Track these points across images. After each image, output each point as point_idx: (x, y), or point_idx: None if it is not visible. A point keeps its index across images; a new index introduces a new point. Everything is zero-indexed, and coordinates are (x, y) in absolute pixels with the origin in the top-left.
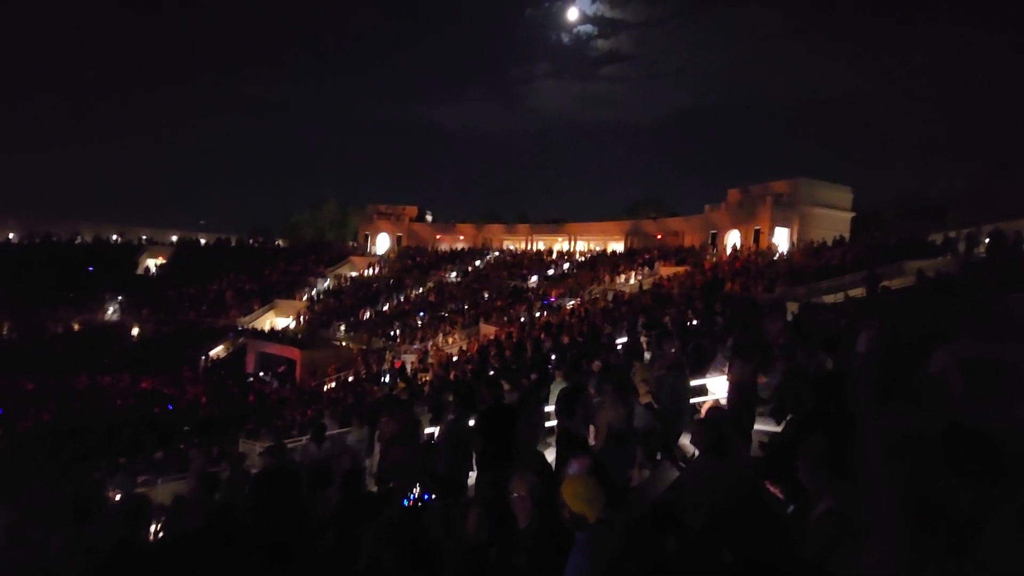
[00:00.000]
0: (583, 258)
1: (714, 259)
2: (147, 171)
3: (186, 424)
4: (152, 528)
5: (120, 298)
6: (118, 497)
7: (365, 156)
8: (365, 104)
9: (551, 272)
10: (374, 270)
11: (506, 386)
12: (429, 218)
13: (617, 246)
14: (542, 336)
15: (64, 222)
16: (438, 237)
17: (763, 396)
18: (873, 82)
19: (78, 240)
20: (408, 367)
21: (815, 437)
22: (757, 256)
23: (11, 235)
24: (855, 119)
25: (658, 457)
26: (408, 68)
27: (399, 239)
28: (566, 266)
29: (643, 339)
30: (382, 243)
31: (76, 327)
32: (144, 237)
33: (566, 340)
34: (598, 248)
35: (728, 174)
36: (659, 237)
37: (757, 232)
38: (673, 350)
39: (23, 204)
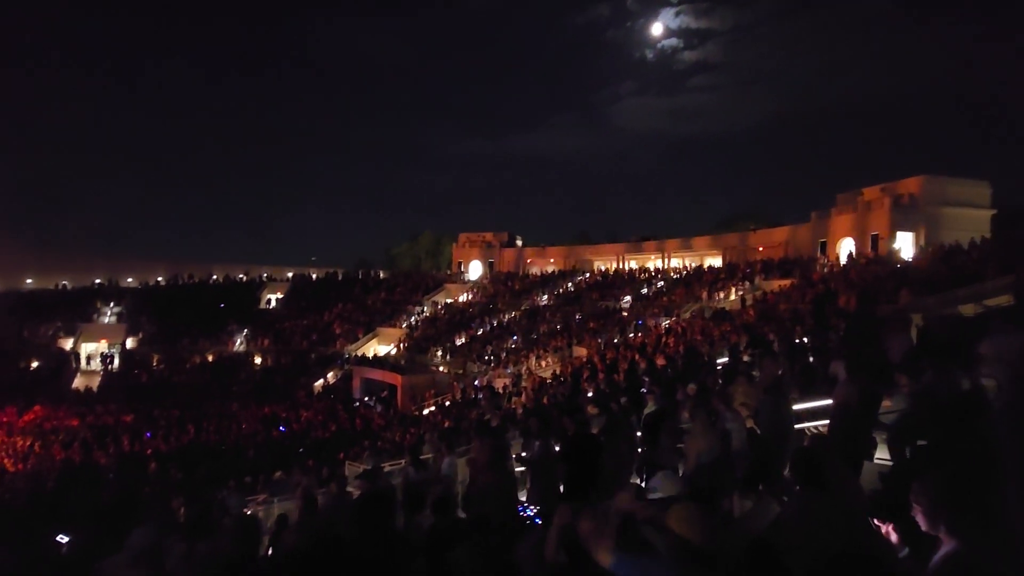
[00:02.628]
0: (677, 275)
1: (825, 270)
2: (267, 214)
3: (300, 447)
4: (264, 545)
5: (246, 331)
6: (240, 515)
7: (457, 187)
8: (455, 139)
9: (644, 291)
10: (468, 296)
11: (593, 411)
12: (519, 243)
13: (714, 261)
14: (636, 357)
15: (201, 265)
16: (529, 261)
17: (887, 421)
18: (997, 67)
19: (212, 280)
20: (501, 391)
21: (936, 470)
22: (875, 264)
23: (160, 279)
24: (980, 109)
25: (759, 488)
26: (495, 101)
27: (491, 265)
28: (660, 284)
29: (746, 358)
30: (475, 270)
31: (210, 358)
32: (265, 274)
33: (661, 361)
34: (693, 264)
35: (833, 179)
36: (760, 249)
37: (875, 238)
38: (780, 371)
39: (169, 251)
